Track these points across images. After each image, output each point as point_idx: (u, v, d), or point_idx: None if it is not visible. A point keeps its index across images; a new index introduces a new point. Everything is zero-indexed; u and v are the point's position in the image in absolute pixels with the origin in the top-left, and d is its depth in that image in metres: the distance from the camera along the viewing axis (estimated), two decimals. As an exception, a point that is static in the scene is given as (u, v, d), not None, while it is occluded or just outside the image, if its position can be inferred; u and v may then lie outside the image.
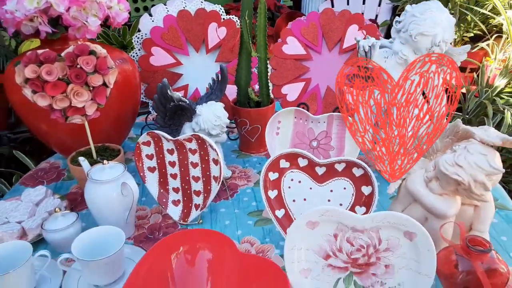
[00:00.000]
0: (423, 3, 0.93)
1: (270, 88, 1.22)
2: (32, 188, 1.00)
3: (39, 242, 0.86)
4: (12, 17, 0.94)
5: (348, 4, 3.30)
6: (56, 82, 0.87)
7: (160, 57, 1.27)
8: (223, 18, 1.29)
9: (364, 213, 0.79)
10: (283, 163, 0.83)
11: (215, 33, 1.28)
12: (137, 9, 2.73)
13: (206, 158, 0.87)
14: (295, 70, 1.30)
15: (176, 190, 0.92)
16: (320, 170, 0.82)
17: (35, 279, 0.73)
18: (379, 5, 3.04)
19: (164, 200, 0.93)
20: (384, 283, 0.62)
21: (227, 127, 1.07)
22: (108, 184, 0.80)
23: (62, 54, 0.89)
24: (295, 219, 0.82)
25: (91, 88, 0.91)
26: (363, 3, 3.46)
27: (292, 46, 1.31)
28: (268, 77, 1.16)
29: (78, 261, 0.69)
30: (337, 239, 0.63)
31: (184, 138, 0.87)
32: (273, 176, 0.83)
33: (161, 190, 0.93)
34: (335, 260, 0.63)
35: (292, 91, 1.31)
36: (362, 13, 1.84)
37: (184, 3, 1.26)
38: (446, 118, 0.75)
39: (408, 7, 0.94)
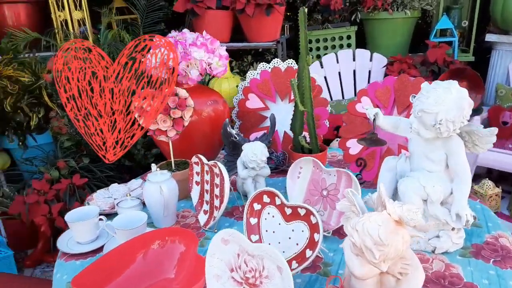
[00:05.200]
0: (435, 82, 0.96)
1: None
2: (135, 180, 1.47)
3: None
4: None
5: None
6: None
7: (253, 102, 1.60)
8: (307, 76, 1.51)
9: (309, 256, 0.91)
10: (265, 198, 1.02)
11: (298, 87, 1.52)
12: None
13: (223, 182, 1.13)
14: (362, 127, 1.41)
15: (207, 202, 1.22)
16: (288, 211, 0.98)
17: (96, 231, 1.15)
18: None
19: (199, 208, 1.24)
20: (263, 304, 0.76)
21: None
22: (152, 185, 1.16)
23: (161, 94, 1.31)
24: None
25: (173, 118, 1.31)
26: None
27: (365, 105, 1.42)
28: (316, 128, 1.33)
29: (112, 227, 1.07)
30: (239, 258, 0.80)
31: (211, 163, 1.16)
32: (257, 206, 1.03)
33: (199, 200, 1.24)
34: (236, 274, 0.81)
35: (355, 145, 1.41)
36: None
37: (278, 61, 1.56)
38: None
39: (422, 85, 0.98)
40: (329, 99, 3.11)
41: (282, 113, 1.56)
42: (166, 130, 1.31)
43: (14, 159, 2.76)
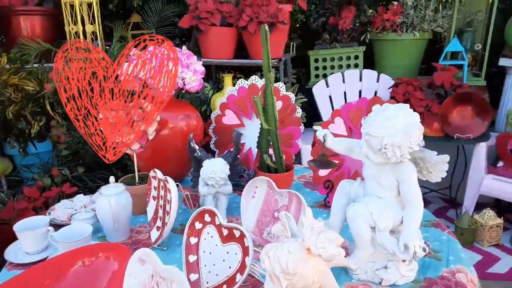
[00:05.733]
0: (385, 105, 0.91)
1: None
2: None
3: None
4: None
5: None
6: (116, 124, 1.30)
7: (229, 118, 1.57)
8: (282, 94, 1.48)
9: (238, 281, 0.86)
10: (207, 217, 0.98)
11: (273, 105, 1.49)
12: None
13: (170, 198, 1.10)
14: (333, 148, 1.36)
15: (160, 218, 1.19)
16: (224, 232, 0.94)
17: (44, 242, 1.13)
18: None
19: (152, 223, 1.21)
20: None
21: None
22: (102, 198, 1.15)
23: (127, 106, 1.31)
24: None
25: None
26: None
27: (338, 126, 1.37)
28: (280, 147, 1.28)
29: (55, 239, 1.05)
30: (152, 279, 0.77)
31: (163, 178, 1.14)
32: (198, 225, 0.99)
33: (154, 216, 1.22)
34: (149, 296, 0.77)
35: (325, 167, 1.36)
36: None
37: (257, 79, 1.53)
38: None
39: (373, 107, 0.93)
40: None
41: (256, 131, 1.52)
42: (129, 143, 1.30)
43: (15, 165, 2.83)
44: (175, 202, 1.08)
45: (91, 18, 3.03)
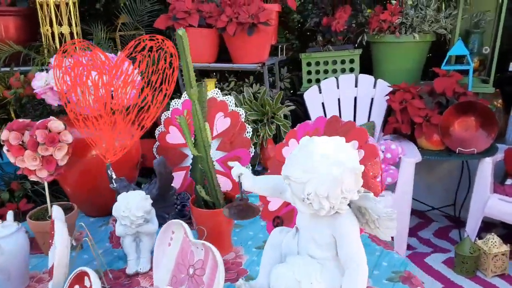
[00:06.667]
0: (312, 138, 0.67)
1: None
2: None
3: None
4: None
5: None
6: (19, 147, 1.08)
7: (174, 136, 1.34)
8: (230, 110, 1.25)
9: None
10: (86, 281, 0.75)
11: (220, 123, 1.26)
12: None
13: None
14: (286, 177, 1.11)
15: (60, 266, 0.96)
16: (100, 304, 0.71)
17: None
18: None
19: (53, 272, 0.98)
20: None
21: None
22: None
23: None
24: None
25: (42, 156, 1.08)
26: None
27: (292, 150, 1.13)
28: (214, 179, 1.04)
29: None
30: None
31: (53, 215, 0.91)
32: (78, 289, 0.77)
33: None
34: None
35: (276, 199, 1.12)
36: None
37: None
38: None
39: (301, 140, 0.69)
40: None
41: (203, 152, 1.29)
42: (35, 170, 1.08)
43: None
44: (61, 249, 0.85)
45: (68, 18, 2.86)
